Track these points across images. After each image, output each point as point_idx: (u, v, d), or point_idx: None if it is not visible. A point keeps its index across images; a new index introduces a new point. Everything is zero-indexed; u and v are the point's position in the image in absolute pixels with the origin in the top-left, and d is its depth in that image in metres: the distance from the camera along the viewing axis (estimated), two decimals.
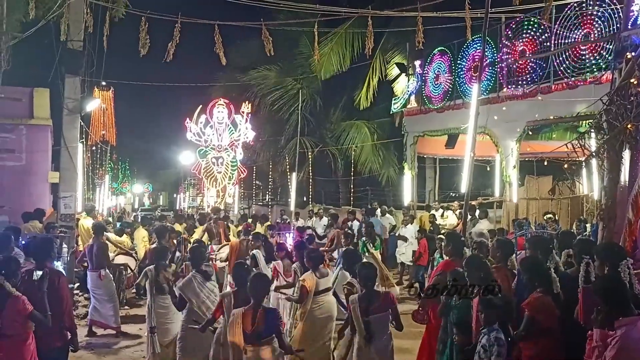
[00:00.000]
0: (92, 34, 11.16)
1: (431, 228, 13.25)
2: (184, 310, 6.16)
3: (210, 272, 6.40)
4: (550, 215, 13.20)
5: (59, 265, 8.22)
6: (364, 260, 7.93)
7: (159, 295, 6.78)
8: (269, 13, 15.09)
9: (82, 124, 12.22)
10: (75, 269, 10.47)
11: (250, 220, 14.23)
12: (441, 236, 11.04)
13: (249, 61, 24.08)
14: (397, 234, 14.07)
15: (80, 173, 11.99)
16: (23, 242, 7.59)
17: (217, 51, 10.84)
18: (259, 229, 12.66)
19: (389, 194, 24.44)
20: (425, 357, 6.09)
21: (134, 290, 11.99)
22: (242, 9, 12.17)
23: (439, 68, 16.17)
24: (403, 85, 18.31)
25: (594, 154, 6.45)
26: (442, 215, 14.88)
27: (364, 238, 10.97)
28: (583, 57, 11.75)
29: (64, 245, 9.73)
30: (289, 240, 11.54)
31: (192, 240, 10.40)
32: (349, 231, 14.55)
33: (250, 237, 9.60)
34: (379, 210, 15.97)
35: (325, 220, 15.45)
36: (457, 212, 14.40)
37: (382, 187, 24.29)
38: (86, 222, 11.55)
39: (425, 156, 19.54)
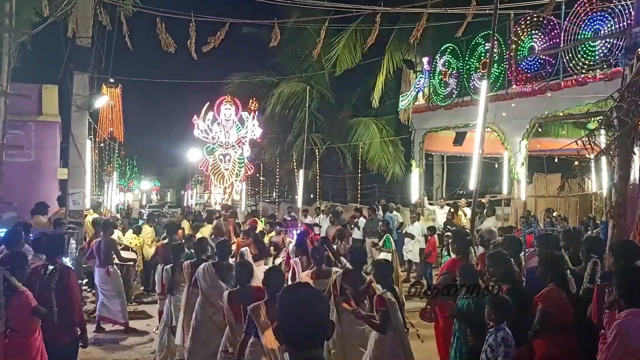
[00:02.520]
0: (100, 31, 11.18)
1: (448, 227, 13.16)
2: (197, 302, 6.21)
3: (230, 268, 6.41)
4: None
5: (67, 261, 8.26)
6: (382, 257, 7.96)
7: (175, 295, 6.82)
8: (278, 10, 15.05)
9: (90, 120, 12.25)
10: (84, 265, 10.52)
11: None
12: (448, 234, 11.03)
13: (258, 59, 24.18)
14: (404, 231, 14.04)
15: (89, 170, 12.03)
16: (32, 237, 7.62)
17: (213, 43, 10.77)
18: (260, 225, 12.70)
19: (396, 191, 24.40)
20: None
21: (142, 287, 12.05)
22: (249, 6, 12.17)
23: (447, 65, 16.10)
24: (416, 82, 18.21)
25: (604, 151, 6.41)
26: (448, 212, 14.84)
27: (387, 235, 11.03)
28: (593, 54, 11.66)
29: (72, 242, 9.76)
30: (295, 237, 11.53)
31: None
32: (356, 228, 14.63)
33: (241, 234, 9.64)
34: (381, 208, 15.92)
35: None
36: (464, 209, 14.34)
37: (390, 185, 24.26)
38: (92, 219, 11.59)
39: (432, 153, 19.48)
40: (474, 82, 14.68)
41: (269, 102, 23.85)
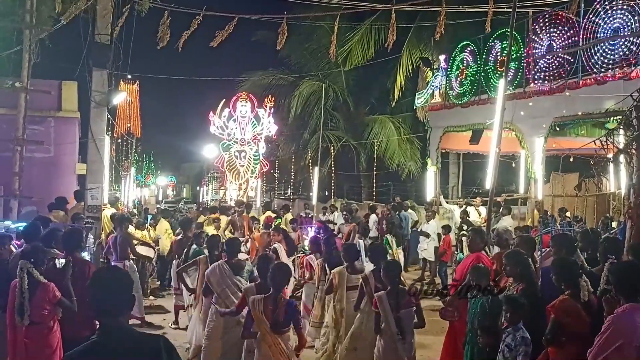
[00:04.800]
0: (118, 28, 11.27)
1: (463, 226, 13.10)
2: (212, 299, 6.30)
3: (241, 266, 6.44)
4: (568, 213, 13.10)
5: (85, 255, 8.38)
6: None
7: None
8: (294, 8, 15.09)
9: (108, 116, 12.38)
10: (101, 259, 10.64)
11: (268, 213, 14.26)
12: (464, 232, 10.99)
13: (274, 58, 24.28)
14: (419, 230, 14.00)
15: (107, 165, 12.16)
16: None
17: (221, 37, 10.81)
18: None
19: (411, 189, 24.34)
20: (449, 355, 6.02)
21: (159, 281, 12.17)
22: (263, 8, 12.19)
23: (464, 63, 15.99)
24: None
25: (622, 150, 6.33)
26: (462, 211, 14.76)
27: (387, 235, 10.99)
28: (612, 52, 11.52)
29: (90, 236, 9.87)
30: (310, 234, 11.55)
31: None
32: (367, 226, 14.61)
33: (270, 230, 9.68)
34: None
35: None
36: (479, 208, 14.26)
37: (405, 182, 24.19)
38: (108, 213, 11.71)
39: (448, 151, 19.38)
40: (491, 80, 14.57)
41: (292, 104, 23.86)
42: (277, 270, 5.21)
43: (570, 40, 12.40)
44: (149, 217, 14.29)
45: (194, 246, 8.53)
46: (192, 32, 10.65)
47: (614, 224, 10.65)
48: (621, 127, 6.56)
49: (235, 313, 5.70)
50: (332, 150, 23.94)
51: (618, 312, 3.85)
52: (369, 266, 7.85)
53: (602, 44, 11.56)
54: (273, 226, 10.50)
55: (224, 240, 7.63)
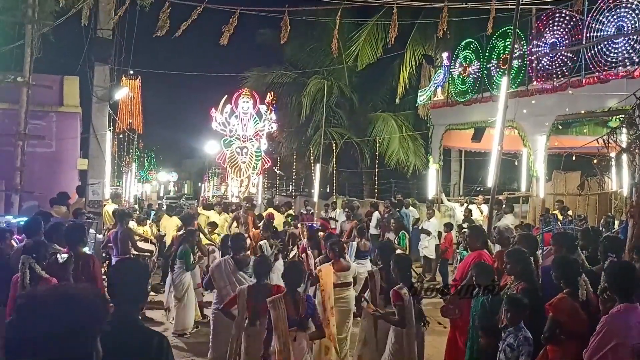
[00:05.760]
0: (120, 23, 11.26)
1: (464, 223, 13.07)
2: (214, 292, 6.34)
3: (246, 262, 6.43)
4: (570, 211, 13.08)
5: (86, 250, 8.37)
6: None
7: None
8: (297, 4, 15.03)
9: (110, 112, 12.37)
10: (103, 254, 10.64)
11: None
12: (465, 230, 10.96)
13: (276, 56, 24.27)
14: (420, 227, 13.97)
15: (108, 160, 12.15)
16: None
17: (225, 32, 10.80)
18: (279, 218, 12.72)
19: (413, 186, 24.32)
20: (452, 354, 6.01)
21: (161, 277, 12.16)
22: (271, 3, 12.15)
23: (467, 60, 15.96)
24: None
25: (625, 149, 6.32)
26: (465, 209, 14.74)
27: (402, 232, 11.02)
28: (616, 51, 11.48)
29: (92, 231, 9.85)
30: None
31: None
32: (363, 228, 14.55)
33: (260, 227, 9.67)
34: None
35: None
36: (481, 206, 14.24)
37: (407, 180, 24.18)
38: (110, 209, 11.72)
39: (450, 149, 19.35)
40: (494, 78, 14.54)
41: (303, 102, 23.80)
42: (290, 270, 5.26)
43: (573, 38, 12.36)
44: (152, 213, 14.30)
45: (182, 246, 8.47)
46: (192, 22, 10.62)
47: (615, 223, 10.64)
48: (624, 125, 6.55)
49: (223, 311, 5.68)
50: (335, 147, 23.91)
51: (612, 313, 3.88)
52: (366, 265, 7.82)
53: (606, 43, 11.54)
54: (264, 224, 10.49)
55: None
